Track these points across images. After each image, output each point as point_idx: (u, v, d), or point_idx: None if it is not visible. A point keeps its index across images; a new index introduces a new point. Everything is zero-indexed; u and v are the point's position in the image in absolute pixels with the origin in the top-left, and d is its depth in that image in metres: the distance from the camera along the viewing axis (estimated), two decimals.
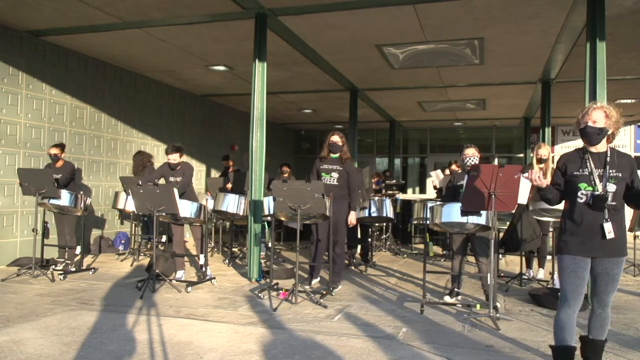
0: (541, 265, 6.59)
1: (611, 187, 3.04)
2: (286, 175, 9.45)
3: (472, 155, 5.33)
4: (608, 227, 3.01)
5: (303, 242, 5.91)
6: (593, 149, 3.12)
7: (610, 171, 3.05)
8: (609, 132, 3.08)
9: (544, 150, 6.23)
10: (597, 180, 3.05)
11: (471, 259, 6.40)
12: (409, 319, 4.66)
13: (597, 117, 3.04)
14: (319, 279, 6.05)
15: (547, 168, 6.19)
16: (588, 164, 3.09)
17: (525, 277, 6.36)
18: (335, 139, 5.86)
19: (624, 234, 3.10)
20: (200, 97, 11.75)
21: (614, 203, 3.04)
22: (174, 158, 6.14)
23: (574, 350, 3.11)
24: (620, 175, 3.05)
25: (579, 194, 3.10)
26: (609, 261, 3.08)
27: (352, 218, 5.91)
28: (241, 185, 8.36)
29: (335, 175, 5.82)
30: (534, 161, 6.38)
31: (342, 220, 5.85)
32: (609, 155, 3.08)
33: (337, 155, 5.89)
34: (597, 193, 3.03)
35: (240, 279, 6.47)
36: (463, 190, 5.28)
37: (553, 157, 15.15)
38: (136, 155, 8.35)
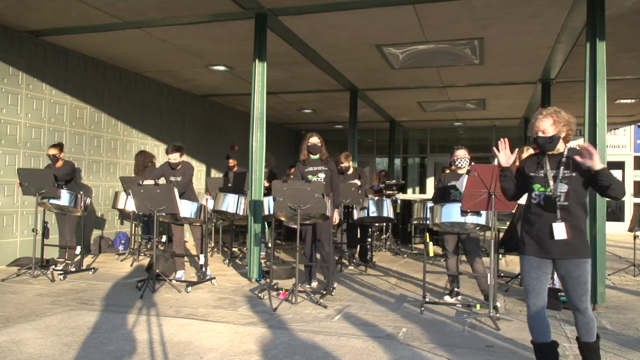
0: None
1: (562, 188, 3.03)
2: (293, 177, 9.45)
3: (462, 157, 5.34)
4: (557, 228, 3.00)
5: (302, 242, 5.91)
6: (550, 152, 3.15)
7: (565, 172, 3.05)
8: (562, 136, 3.09)
9: (526, 155, 6.24)
10: (551, 182, 3.06)
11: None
12: (409, 319, 4.66)
13: (545, 126, 3.07)
14: (316, 282, 6.05)
15: None
16: (544, 165, 3.12)
17: None
18: (315, 140, 5.90)
19: (582, 235, 3.05)
20: (200, 97, 11.76)
21: (565, 203, 3.02)
22: (175, 158, 6.14)
23: (550, 346, 3.20)
24: (574, 174, 3.03)
25: (532, 195, 3.14)
26: (569, 263, 3.03)
27: (336, 216, 5.89)
28: (241, 185, 8.35)
29: (322, 175, 5.84)
30: (517, 163, 6.39)
31: (327, 220, 5.84)
32: (565, 156, 3.08)
33: (317, 156, 5.91)
34: (547, 194, 3.05)
35: (240, 279, 6.47)
36: (454, 190, 5.31)
37: None
38: (138, 154, 8.34)
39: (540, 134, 3.08)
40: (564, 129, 3.08)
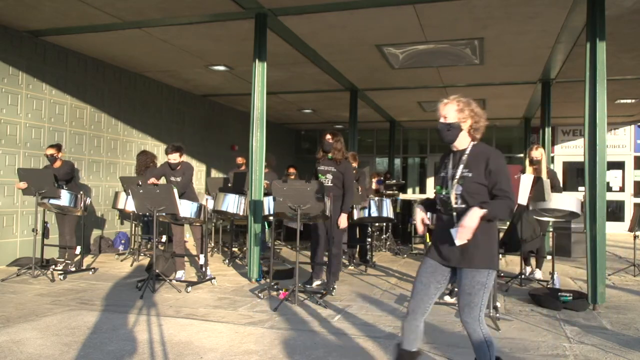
0: (539, 265, 6.59)
1: (457, 189, 2.75)
2: (292, 177, 9.47)
3: None
4: (454, 233, 2.69)
5: (302, 242, 5.91)
6: (454, 148, 2.86)
7: (464, 170, 2.75)
8: (466, 126, 2.79)
9: (536, 152, 6.31)
10: (449, 182, 2.80)
11: None
12: None
13: (447, 112, 2.80)
14: (320, 281, 6.05)
15: (540, 170, 6.24)
16: (447, 164, 2.86)
17: (524, 277, 6.34)
18: (327, 137, 5.86)
19: (477, 244, 2.70)
20: (200, 97, 11.76)
21: (462, 206, 2.71)
22: (174, 158, 6.13)
23: (412, 355, 2.92)
24: (470, 175, 2.73)
25: (437, 198, 2.91)
26: (462, 271, 2.77)
27: (343, 220, 5.80)
28: (241, 186, 8.35)
29: (329, 176, 5.82)
30: (527, 163, 6.46)
31: (335, 221, 5.85)
32: (467, 152, 2.79)
33: (331, 155, 5.89)
34: (443, 196, 2.82)
35: (240, 279, 6.47)
36: None
37: (553, 158, 15.05)
38: (140, 154, 8.31)
39: (442, 120, 2.81)
40: (468, 119, 2.78)
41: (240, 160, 8.99)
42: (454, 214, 2.75)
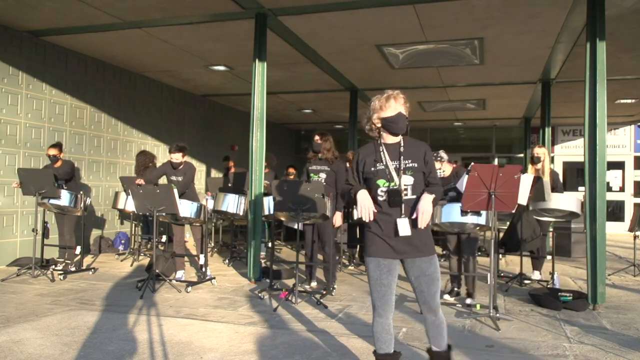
0: (539, 265, 6.58)
1: (408, 180, 2.81)
2: (292, 177, 9.47)
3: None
4: (402, 223, 2.75)
5: (302, 241, 5.91)
6: (389, 140, 2.90)
7: (406, 162, 2.83)
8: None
9: (539, 150, 6.31)
10: (394, 174, 2.81)
11: None
12: (409, 319, 4.66)
13: (400, 105, 2.86)
14: (315, 282, 6.05)
15: (543, 169, 6.23)
16: (383, 156, 2.87)
17: (528, 280, 6.30)
18: (315, 138, 5.87)
19: (427, 231, 2.84)
20: (200, 97, 11.76)
21: (413, 197, 2.79)
22: (177, 157, 6.14)
23: (393, 356, 2.93)
24: (416, 165, 2.83)
25: (378, 192, 2.85)
26: (422, 261, 2.81)
27: (338, 219, 5.79)
28: (241, 185, 8.35)
29: (323, 175, 5.82)
30: (529, 162, 6.46)
31: (329, 220, 5.84)
32: (402, 145, 2.86)
33: (321, 155, 5.90)
34: (393, 188, 2.80)
35: (240, 279, 6.48)
36: (454, 190, 5.33)
37: (553, 158, 15.04)
38: (139, 155, 8.31)
39: (403, 111, 2.85)
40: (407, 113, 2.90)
41: (229, 163, 8.99)
42: (403, 205, 2.80)
